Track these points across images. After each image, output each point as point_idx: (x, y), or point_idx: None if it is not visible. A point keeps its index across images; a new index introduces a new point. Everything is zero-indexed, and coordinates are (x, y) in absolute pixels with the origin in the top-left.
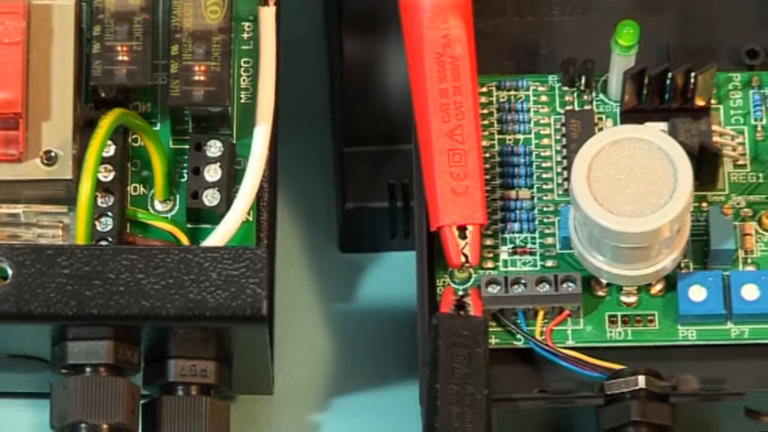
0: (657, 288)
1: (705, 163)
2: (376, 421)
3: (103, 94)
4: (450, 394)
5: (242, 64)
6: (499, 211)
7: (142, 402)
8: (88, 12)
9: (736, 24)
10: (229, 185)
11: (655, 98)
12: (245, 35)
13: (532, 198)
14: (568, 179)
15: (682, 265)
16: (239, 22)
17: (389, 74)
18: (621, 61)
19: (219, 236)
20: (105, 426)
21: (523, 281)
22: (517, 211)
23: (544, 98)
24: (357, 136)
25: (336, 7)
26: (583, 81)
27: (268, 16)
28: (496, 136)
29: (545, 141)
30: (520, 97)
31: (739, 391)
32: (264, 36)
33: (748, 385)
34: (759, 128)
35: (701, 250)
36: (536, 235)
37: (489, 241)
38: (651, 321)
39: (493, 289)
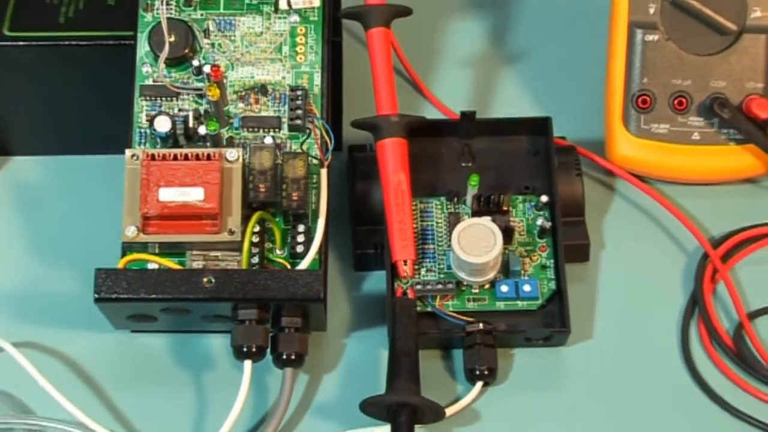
0: (487, 286)
1: (506, 234)
2: (370, 343)
3: (253, 204)
4: (400, 332)
5: (313, 192)
6: (421, 253)
7: (270, 335)
8: (247, 170)
9: (521, 174)
10: (308, 243)
11: (485, 207)
12: (314, 180)
13: (434, 248)
14: (450, 240)
15: (498, 276)
16: (312, 174)
17: (375, 196)
18: (471, 191)
19: (304, 265)
20: (254, 345)
21: (430, 284)
22: (429, 253)
23: (439, 207)
24: (362, 221)
25: (353, 168)
26: (455, 200)
27: (324, 173)
28: (419, 223)
29: (441, 225)
30: (430, 207)
31: (523, 329)
32: (322, 182)
33: (527, 328)
34: (530, 220)
35: (507, 270)
36: (436, 263)
37: (417, 266)
38: (485, 300)
39: (419, 287)
